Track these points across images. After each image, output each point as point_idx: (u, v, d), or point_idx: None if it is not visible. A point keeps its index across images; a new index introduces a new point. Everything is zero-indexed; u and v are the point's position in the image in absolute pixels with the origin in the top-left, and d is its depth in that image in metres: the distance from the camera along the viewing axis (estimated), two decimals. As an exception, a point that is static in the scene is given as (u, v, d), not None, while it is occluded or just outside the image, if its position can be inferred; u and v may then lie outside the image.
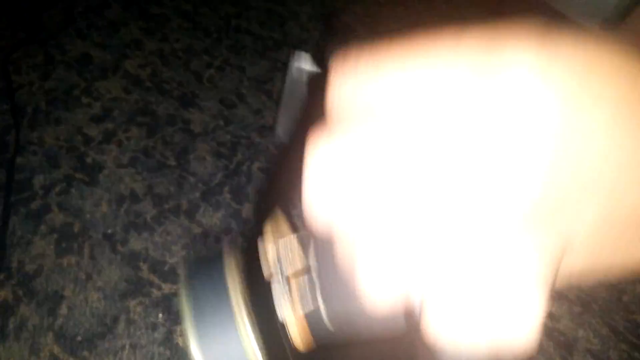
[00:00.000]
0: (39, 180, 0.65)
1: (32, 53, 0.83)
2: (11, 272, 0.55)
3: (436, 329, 0.13)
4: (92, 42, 0.86)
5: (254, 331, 0.20)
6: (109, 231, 0.60)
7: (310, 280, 0.21)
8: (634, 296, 0.69)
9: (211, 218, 0.64)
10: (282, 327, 0.21)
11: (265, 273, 0.21)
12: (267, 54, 0.89)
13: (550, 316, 0.65)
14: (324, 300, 0.20)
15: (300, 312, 0.20)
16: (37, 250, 0.57)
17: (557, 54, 0.12)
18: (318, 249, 0.21)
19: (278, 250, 0.22)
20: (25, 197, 0.62)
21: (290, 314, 0.21)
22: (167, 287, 0.55)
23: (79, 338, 0.50)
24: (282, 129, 0.45)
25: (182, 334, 0.22)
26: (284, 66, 0.87)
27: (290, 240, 0.22)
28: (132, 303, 0.54)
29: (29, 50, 0.83)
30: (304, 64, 0.30)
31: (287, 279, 0.21)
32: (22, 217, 0.60)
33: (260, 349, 0.20)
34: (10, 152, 0.67)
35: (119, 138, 0.71)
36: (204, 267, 0.23)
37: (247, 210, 0.66)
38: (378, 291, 0.14)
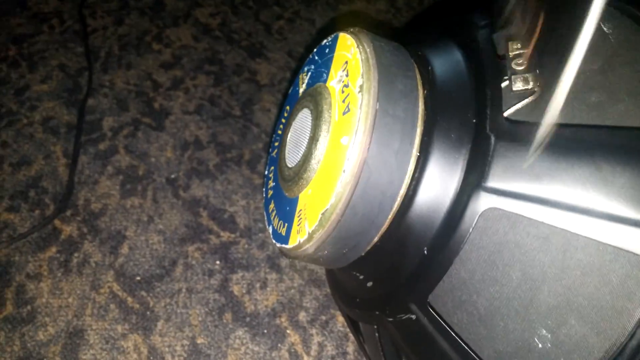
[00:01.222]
0: (108, 122, 0.66)
1: (107, -3, 0.84)
2: (77, 209, 0.56)
3: None
4: (166, -11, 0.86)
5: None
6: (172, 176, 0.60)
7: None
8: None
9: (273, 170, 0.63)
10: None
11: None
12: (338, 8, 0.87)
13: None
14: None
15: None
16: (102, 189, 0.58)
17: None
18: None
19: None
20: (95, 138, 0.64)
21: None
22: (225, 235, 0.55)
23: (138, 278, 0.51)
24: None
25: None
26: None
27: None
28: (190, 248, 0.54)
29: (104, -5, 0.84)
30: None
31: None
32: (91, 157, 0.61)
33: None
34: (83, 93, 0.68)
35: (186, 85, 0.71)
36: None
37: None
38: None
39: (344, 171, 0.24)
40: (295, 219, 0.29)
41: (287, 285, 0.52)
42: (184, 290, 0.51)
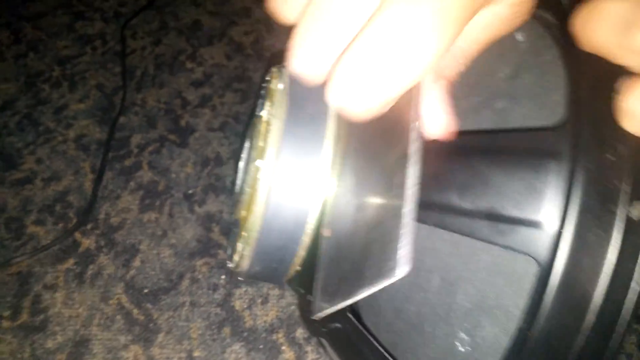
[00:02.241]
0: (136, 139, 0.69)
1: (148, 19, 0.88)
2: (98, 223, 0.59)
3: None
4: (205, 9, 0.89)
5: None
6: (190, 191, 0.62)
7: None
8: None
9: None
10: None
11: None
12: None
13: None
14: None
15: None
16: (123, 204, 0.61)
17: None
18: None
19: None
20: (122, 154, 0.67)
21: None
22: (233, 251, 0.56)
23: (146, 290, 0.53)
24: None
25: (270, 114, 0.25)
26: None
27: None
28: (199, 262, 0.55)
29: (146, 17, 0.88)
30: None
31: None
32: (116, 173, 0.64)
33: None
34: (116, 111, 0.72)
35: (213, 103, 0.73)
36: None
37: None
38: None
39: (256, 191, 0.25)
40: (237, 240, 0.30)
41: (288, 302, 0.53)
42: (187, 303, 0.52)
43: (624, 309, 0.20)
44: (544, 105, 0.25)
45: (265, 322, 0.51)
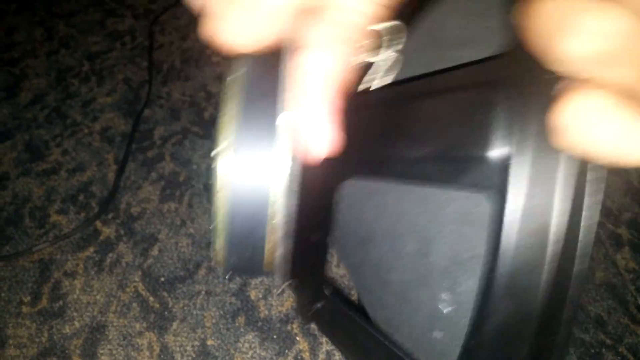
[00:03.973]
0: (159, 132, 0.69)
1: (178, 15, 0.89)
2: (118, 213, 0.59)
3: None
4: (233, 4, 0.89)
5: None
6: (210, 182, 0.62)
7: None
8: None
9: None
10: None
11: None
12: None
13: None
14: None
15: None
16: (144, 194, 0.61)
17: None
18: None
19: None
20: (145, 146, 0.67)
21: None
22: (251, 240, 0.55)
23: (162, 279, 0.53)
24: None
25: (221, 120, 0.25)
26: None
27: None
28: (215, 252, 0.55)
29: (175, 13, 0.89)
30: None
31: None
32: (139, 164, 0.65)
33: None
34: (141, 104, 0.73)
35: (237, 95, 0.73)
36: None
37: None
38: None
39: (215, 180, 0.25)
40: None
41: (303, 292, 0.52)
42: (203, 292, 0.52)
43: (585, 234, 0.19)
44: (488, 42, 0.24)
45: (280, 312, 0.51)
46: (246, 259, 0.28)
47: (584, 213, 0.18)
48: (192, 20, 0.86)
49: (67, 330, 0.50)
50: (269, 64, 0.26)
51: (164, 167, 0.64)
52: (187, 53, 0.81)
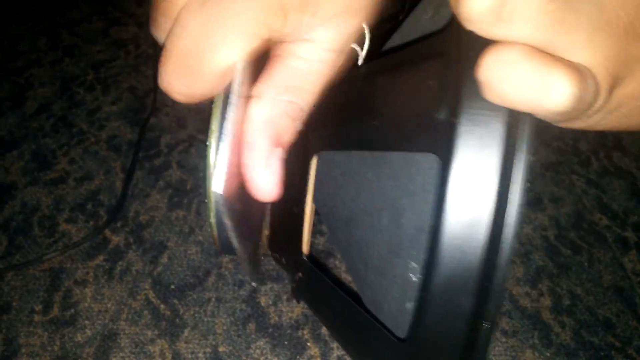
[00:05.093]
0: (165, 139, 0.70)
1: (181, 23, 0.89)
2: (127, 221, 0.60)
3: None
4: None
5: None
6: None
7: None
8: None
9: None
10: None
11: None
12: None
13: None
14: None
15: None
16: (152, 202, 0.62)
17: None
18: None
19: None
20: (152, 154, 0.68)
21: None
22: (260, 247, 0.56)
23: (173, 286, 0.53)
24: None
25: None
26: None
27: None
28: (225, 259, 0.55)
29: (179, 21, 0.90)
30: None
31: None
32: (146, 172, 0.65)
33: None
34: (147, 113, 0.73)
35: (242, 102, 0.74)
36: None
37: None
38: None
39: (206, 158, 0.29)
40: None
41: (313, 298, 0.52)
42: (213, 299, 0.53)
43: (518, 192, 0.20)
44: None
45: (290, 318, 0.51)
46: (245, 242, 0.30)
47: (514, 168, 0.20)
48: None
49: (79, 338, 0.50)
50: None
51: (171, 175, 0.65)
52: (191, 61, 0.81)
